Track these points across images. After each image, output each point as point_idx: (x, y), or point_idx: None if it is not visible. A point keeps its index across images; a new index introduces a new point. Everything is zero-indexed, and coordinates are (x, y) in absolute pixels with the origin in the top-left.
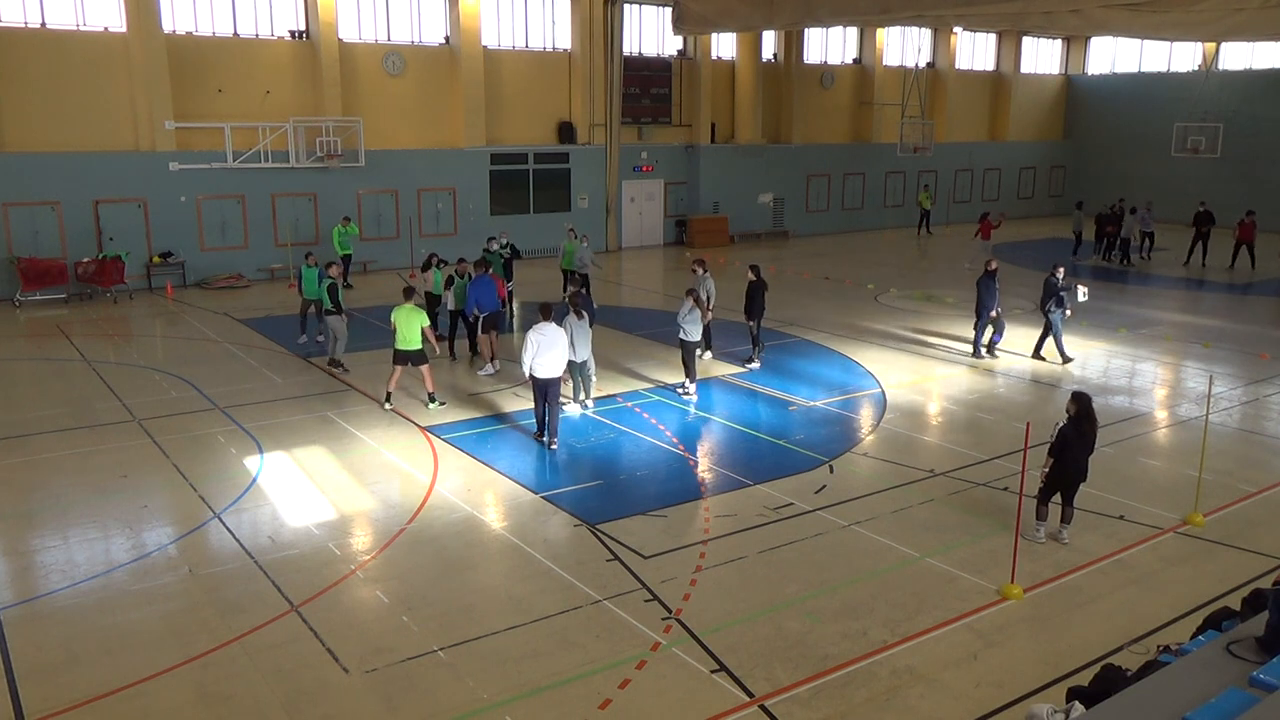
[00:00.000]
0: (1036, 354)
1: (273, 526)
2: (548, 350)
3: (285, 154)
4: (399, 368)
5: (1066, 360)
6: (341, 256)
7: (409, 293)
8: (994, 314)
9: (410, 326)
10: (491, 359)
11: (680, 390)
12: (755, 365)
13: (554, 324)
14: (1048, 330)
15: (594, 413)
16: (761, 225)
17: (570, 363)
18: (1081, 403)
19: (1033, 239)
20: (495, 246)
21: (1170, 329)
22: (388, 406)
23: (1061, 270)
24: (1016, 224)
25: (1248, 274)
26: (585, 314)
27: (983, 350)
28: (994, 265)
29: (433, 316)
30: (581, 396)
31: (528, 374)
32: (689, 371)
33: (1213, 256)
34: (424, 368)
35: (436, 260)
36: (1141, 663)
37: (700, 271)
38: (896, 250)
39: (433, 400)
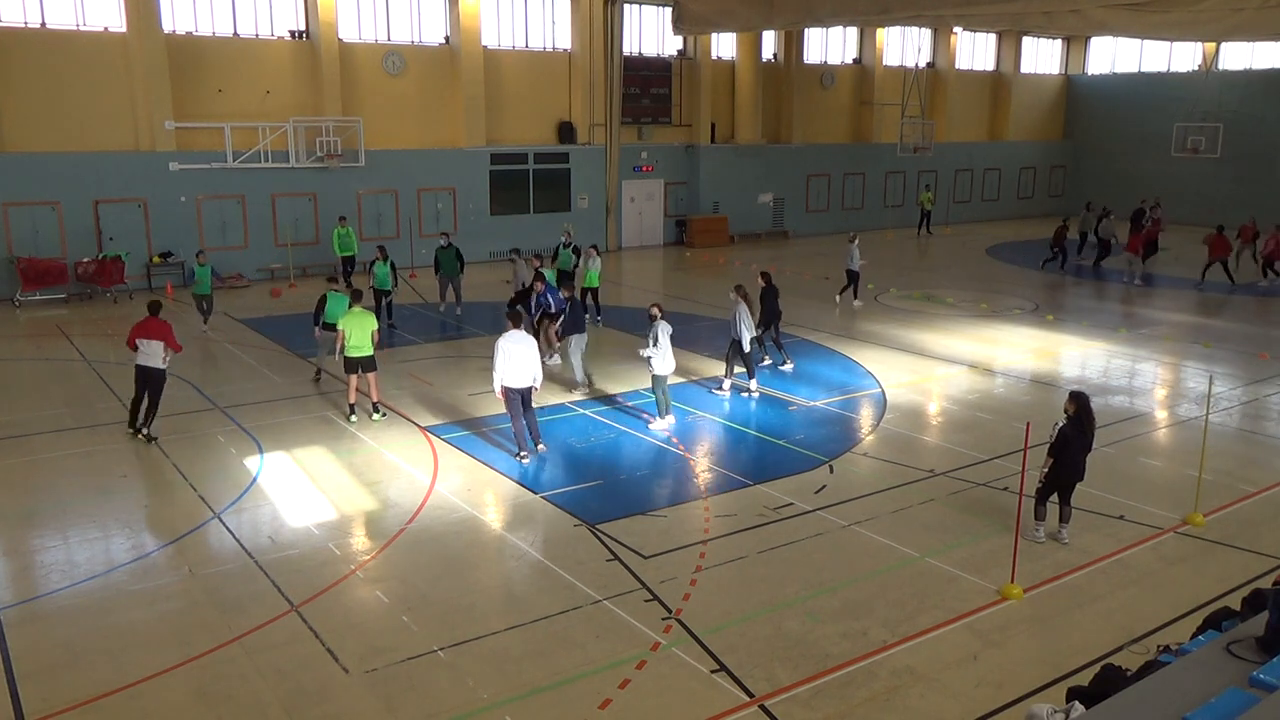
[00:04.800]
0: None
1: (273, 526)
2: (518, 359)
3: (285, 154)
4: (353, 376)
5: None
6: (342, 258)
7: (357, 296)
8: None
9: (362, 332)
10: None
11: (716, 390)
12: (788, 367)
13: (523, 331)
14: None
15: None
16: (761, 225)
17: (655, 377)
18: (1080, 401)
19: (1033, 239)
20: (564, 244)
21: (1170, 329)
22: (353, 419)
23: None
24: (1016, 224)
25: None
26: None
27: None
28: None
29: (378, 311)
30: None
31: (498, 387)
32: (750, 369)
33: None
34: (372, 375)
35: (383, 254)
36: (1141, 663)
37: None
38: (897, 250)
39: (376, 411)
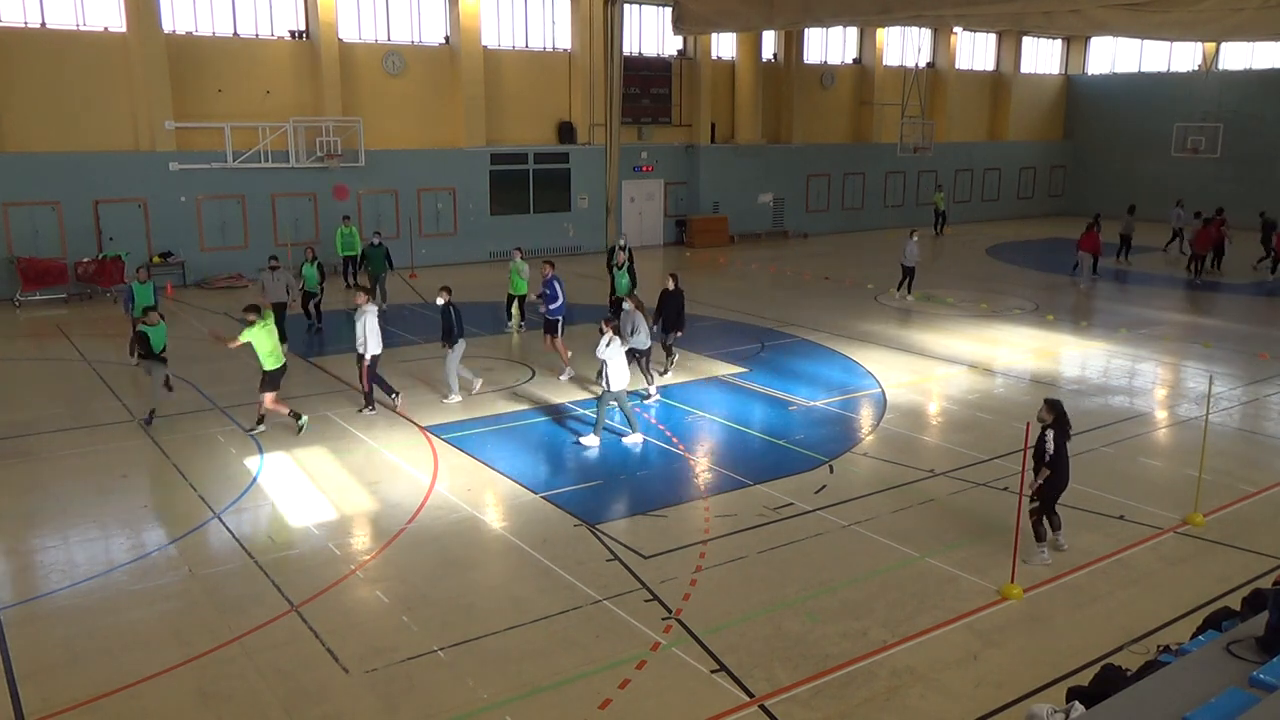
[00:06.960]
0: None
1: (273, 526)
2: (374, 332)
3: (285, 154)
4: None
5: None
6: (344, 257)
7: (256, 310)
8: None
9: (272, 341)
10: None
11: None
12: (667, 371)
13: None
14: None
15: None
16: (761, 225)
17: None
18: (1057, 408)
19: (1033, 239)
20: (619, 246)
21: (1170, 329)
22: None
23: None
24: (1016, 224)
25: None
26: (622, 334)
27: None
28: None
29: (305, 313)
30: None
31: (370, 355)
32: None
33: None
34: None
35: (312, 255)
36: (1141, 663)
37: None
38: (897, 250)
39: (260, 423)
